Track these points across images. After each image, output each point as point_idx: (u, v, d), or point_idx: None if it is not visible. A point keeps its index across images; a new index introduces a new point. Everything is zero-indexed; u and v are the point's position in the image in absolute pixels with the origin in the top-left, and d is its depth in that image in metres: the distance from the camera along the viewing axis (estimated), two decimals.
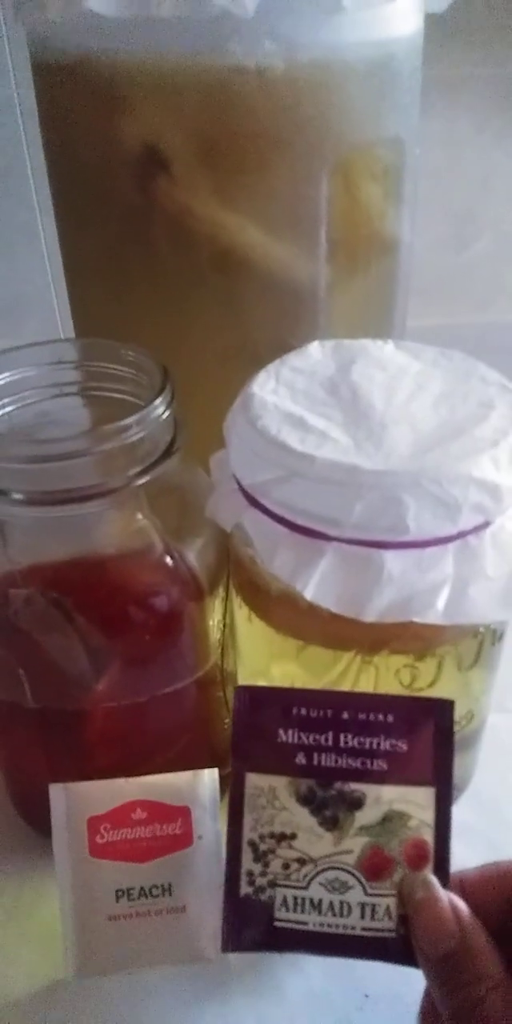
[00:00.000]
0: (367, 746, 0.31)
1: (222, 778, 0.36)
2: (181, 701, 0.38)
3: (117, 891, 0.35)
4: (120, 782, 0.35)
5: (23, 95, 0.65)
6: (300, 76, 0.36)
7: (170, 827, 0.35)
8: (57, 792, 0.35)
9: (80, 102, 0.39)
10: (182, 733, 0.40)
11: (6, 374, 0.36)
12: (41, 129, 0.44)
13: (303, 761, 0.31)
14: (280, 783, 0.31)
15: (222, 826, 0.35)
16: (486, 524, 0.31)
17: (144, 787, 0.35)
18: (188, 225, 0.39)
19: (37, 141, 0.66)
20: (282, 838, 0.31)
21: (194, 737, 0.41)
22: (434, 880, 0.29)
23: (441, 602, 0.30)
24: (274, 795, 0.31)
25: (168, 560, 0.35)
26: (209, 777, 0.36)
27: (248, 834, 0.31)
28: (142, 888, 0.35)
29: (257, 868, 0.31)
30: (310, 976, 0.37)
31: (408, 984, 0.36)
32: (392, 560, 0.30)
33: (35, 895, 0.40)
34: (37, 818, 0.41)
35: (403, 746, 0.31)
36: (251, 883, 0.31)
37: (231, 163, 0.37)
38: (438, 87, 0.62)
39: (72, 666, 0.34)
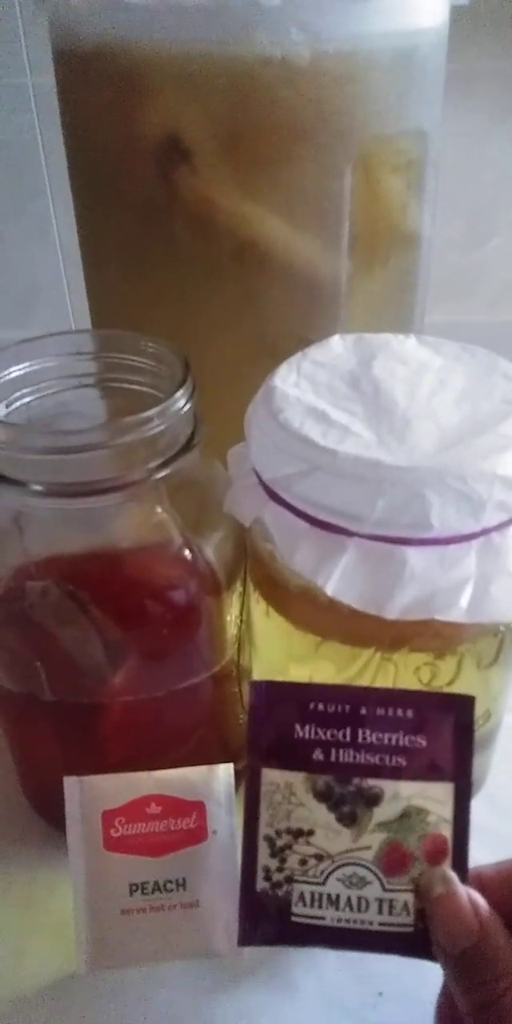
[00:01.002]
0: (386, 742, 0.30)
1: (237, 773, 0.36)
2: (197, 696, 0.38)
3: (131, 885, 0.35)
4: (135, 776, 0.35)
5: (38, 85, 0.65)
6: (325, 66, 0.36)
7: (184, 822, 0.35)
8: (72, 785, 0.35)
9: (102, 90, 0.38)
10: (197, 728, 0.40)
11: (25, 364, 0.36)
12: (61, 117, 0.43)
13: (320, 757, 0.31)
14: (297, 779, 0.31)
15: (237, 821, 0.35)
16: (510, 521, 0.31)
17: (159, 781, 0.35)
18: (209, 216, 0.39)
19: (51, 131, 0.66)
20: (299, 834, 0.31)
21: (209, 732, 0.41)
22: (454, 876, 0.29)
23: (464, 600, 0.30)
24: (291, 791, 0.31)
25: (187, 554, 0.35)
26: (224, 772, 0.35)
27: (264, 829, 0.31)
28: (156, 882, 0.35)
29: (274, 863, 0.31)
30: (324, 974, 0.37)
31: (422, 982, 0.36)
32: (415, 557, 0.30)
33: (48, 888, 0.40)
34: (51, 811, 0.41)
35: (422, 742, 0.30)
36: (267, 878, 0.31)
37: (254, 154, 0.37)
38: (454, 80, 0.62)
39: (88, 659, 0.34)
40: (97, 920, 0.35)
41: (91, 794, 0.35)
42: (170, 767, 0.35)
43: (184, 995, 0.36)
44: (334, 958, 0.37)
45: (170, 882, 0.35)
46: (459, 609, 0.30)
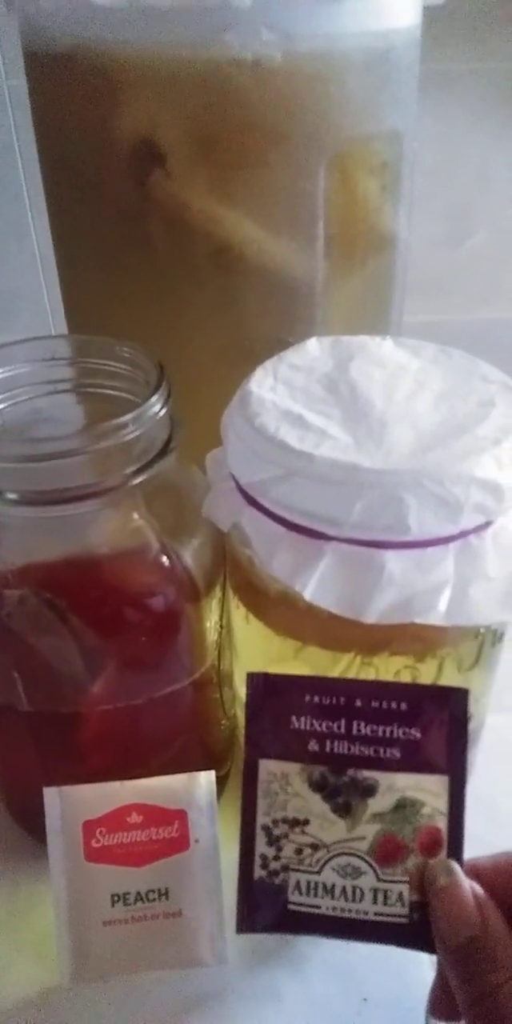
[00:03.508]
0: (380, 734, 0.31)
1: (218, 780, 0.36)
2: (177, 703, 0.38)
3: (113, 896, 0.35)
4: (115, 785, 0.35)
5: (13, 86, 0.64)
6: (298, 67, 0.35)
7: (166, 831, 0.35)
8: (52, 796, 0.34)
9: (74, 93, 0.38)
10: (178, 735, 0.39)
11: None
12: (33, 121, 0.43)
13: (316, 748, 0.31)
14: (293, 769, 0.31)
15: (219, 829, 0.35)
16: (487, 524, 0.31)
17: (140, 790, 0.35)
18: (184, 220, 0.38)
19: (27, 134, 0.65)
20: (295, 823, 0.31)
21: (190, 739, 0.40)
22: (457, 867, 0.29)
23: (443, 603, 0.30)
24: (287, 781, 0.31)
25: (164, 560, 0.35)
26: (206, 779, 0.35)
27: (261, 819, 0.31)
28: (138, 892, 0.35)
29: (271, 852, 0.31)
30: (309, 980, 0.37)
31: (407, 988, 0.36)
32: (393, 560, 0.30)
33: (29, 900, 0.40)
34: (31, 822, 0.40)
35: (416, 734, 0.31)
36: (265, 866, 0.31)
37: (228, 157, 0.37)
38: (434, 81, 0.62)
39: (66, 668, 0.34)
40: (79, 931, 0.34)
41: (71, 804, 0.35)
42: (151, 775, 0.35)
43: (168, 1005, 0.36)
44: (318, 964, 0.37)
45: (152, 892, 0.35)
46: (437, 612, 0.29)
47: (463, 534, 0.30)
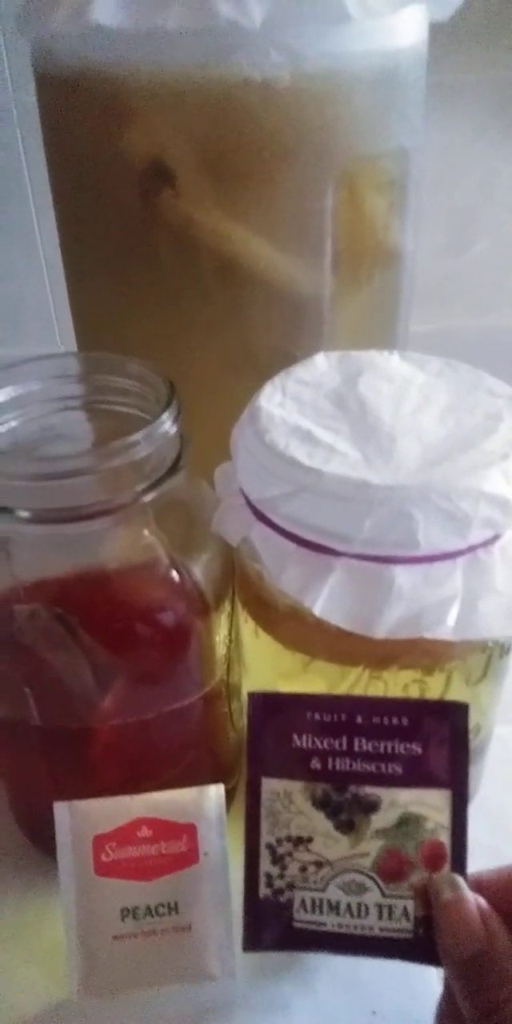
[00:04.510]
0: (382, 750, 0.31)
1: (227, 792, 0.36)
2: (187, 717, 0.38)
3: (122, 910, 0.35)
4: (125, 800, 0.35)
5: (20, 101, 0.65)
6: (306, 87, 0.36)
7: (176, 844, 0.35)
8: (62, 810, 0.35)
9: (84, 114, 0.38)
10: (188, 749, 0.39)
11: (10, 388, 0.36)
12: (44, 140, 0.43)
13: (318, 766, 0.31)
14: (295, 788, 0.31)
15: (228, 843, 0.35)
16: (496, 538, 0.31)
17: (149, 804, 0.35)
18: (192, 236, 0.39)
19: (34, 148, 0.66)
20: (299, 841, 0.31)
21: (199, 753, 0.40)
22: (462, 881, 0.30)
23: (451, 618, 0.30)
24: (290, 799, 0.31)
25: (174, 576, 0.35)
26: (215, 793, 0.35)
27: (266, 837, 0.31)
28: (148, 907, 0.35)
29: (275, 871, 0.31)
30: (317, 993, 0.37)
31: (416, 1000, 0.36)
32: (402, 575, 0.30)
33: (39, 914, 0.40)
34: (41, 836, 0.40)
35: (418, 749, 0.31)
36: (270, 885, 0.31)
37: (236, 175, 0.37)
38: (436, 92, 0.62)
39: (77, 683, 0.34)
40: (89, 946, 0.35)
41: (81, 819, 0.35)
42: (161, 789, 0.35)
43: (177, 1018, 0.36)
44: (327, 977, 0.37)
45: (162, 906, 0.35)
46: (446, 627, 0.30)
47: (471, 548, 0.30)
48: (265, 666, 0.38)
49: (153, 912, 0.35)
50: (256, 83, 0.35)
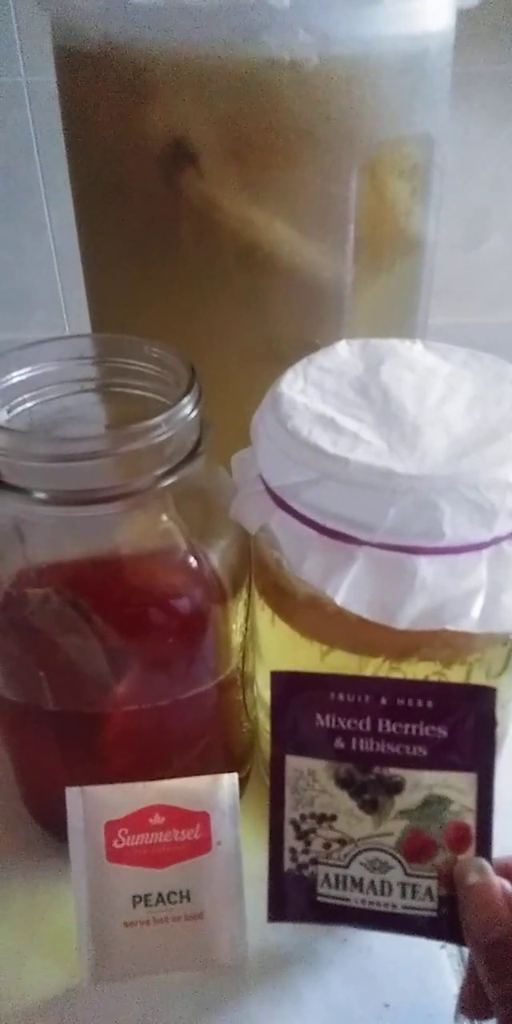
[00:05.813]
0: (406, 732, 0.31)
1: (240, 782, 0.36)
2: (201, 705, 0.38)
3: (134, 897, 0.34)
4: (138, 787, 0.35)
5: (32, 83, 0.64)
6: (334, 70, 0.35)
7: (189, 832, 0.35)
8: (74, 796, 0.34)
9: (105, 91, 0.38)
10: (201, 737, 0.39)
11: (27, 369, 0.35)
12: (62, 118, 0.43)
13: (341, 746, 0.32)
14: (319, 766, 0.32)
15: (241, 831, 0.35)
16: None
17: (163, 792, 0.35)
18: (214, 219, 0.38)
19: (45, 131, 0.65)
20: (323, 819, 0.32)
21: (213, 741, 0.40)
22: (487, 865, 0.30)
23: (476, 610, 0.29)
24: (314, 778, 0.32)
25: (192, 562, 0.35)
26: (228, 782, 0.35)
27: (290, 813, 0.32)
28: (159, 894, 0.35)
29: (299, 846, 0.32)
30: (329, 985, 0.37)
31: (428, 993, 0.36)
32: (425, 566, 0.30)
33: (50, 900, 0.40)
34: (53, 822, 0.40)
35: (443, 732, 0.31)
36: (294, 859, 0.32)
37: (260, 157, 0.37)
38: (454, 83, 0.61)
39: (91, 668, 0.34)
40: (100, 932, 0.34)
41: (94, 805, 0.34)
42: (174, 777, 0.35)
43: (189, 1007, 0.36)
44: (339, 969, 0.37)
45: (174, 894, 0.35)
46: (470, 619, 0.29)
47: (496, 540, 0.30)
48: (281, 655, 0.38)
49: (165, 899, 0.35)
50: (283, 64, 0.34)
